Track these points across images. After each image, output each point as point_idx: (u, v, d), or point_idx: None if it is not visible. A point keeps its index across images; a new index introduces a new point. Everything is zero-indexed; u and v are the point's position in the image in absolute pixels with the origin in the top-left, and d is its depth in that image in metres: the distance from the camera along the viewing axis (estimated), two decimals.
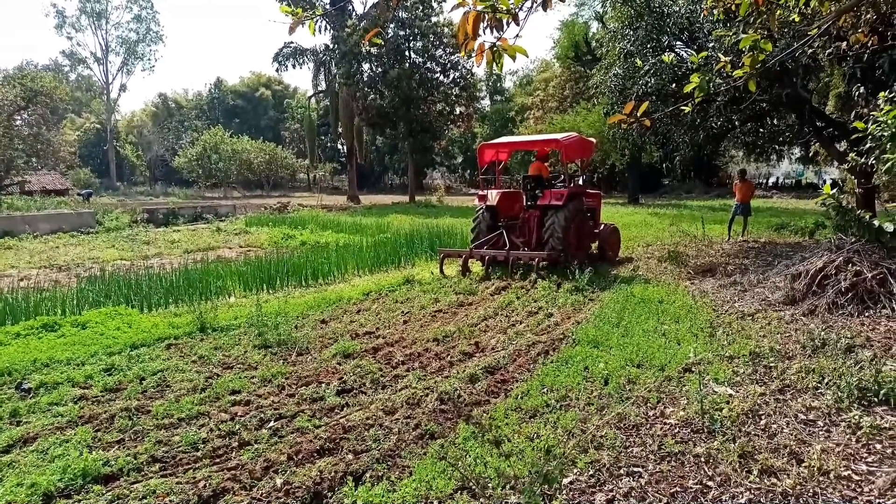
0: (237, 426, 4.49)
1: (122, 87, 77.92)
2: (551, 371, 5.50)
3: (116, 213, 24.84)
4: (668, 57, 8.07)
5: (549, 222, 10.87)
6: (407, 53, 37.28)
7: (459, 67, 38.77)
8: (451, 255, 11.71)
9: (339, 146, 62.76)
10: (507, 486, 3.33)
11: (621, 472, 3.71)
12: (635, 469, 3.73)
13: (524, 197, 12.24)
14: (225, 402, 4.97)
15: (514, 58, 3.46)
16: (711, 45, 11.79)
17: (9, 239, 18.54)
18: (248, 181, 58.87)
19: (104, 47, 66.48)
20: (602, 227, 12.59)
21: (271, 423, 4.57)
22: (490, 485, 3.34)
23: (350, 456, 3.99)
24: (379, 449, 4.07)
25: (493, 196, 11.87)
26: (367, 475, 3.73)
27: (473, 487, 3.37)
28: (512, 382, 5.39)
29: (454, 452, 3.90)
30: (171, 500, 3.40)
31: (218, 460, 4.01)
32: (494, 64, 3.52)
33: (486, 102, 61.97)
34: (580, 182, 12.35)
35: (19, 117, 38.46)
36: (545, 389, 5.08)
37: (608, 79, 16.06)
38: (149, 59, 69.11)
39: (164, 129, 71.53)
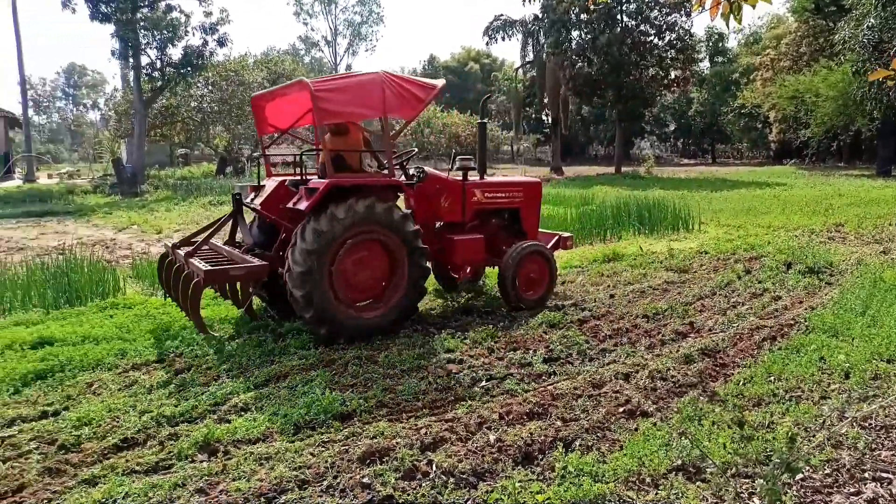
0: (452, 382, 4.79)
1: (348, 68, 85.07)
2: (779, 359, 5.03)
3: None
4: None
5: (289, 249, 5.88)
6: (619, 17, 35.66)
7: (677, 28, 36.18)
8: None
9: (544, 117, 62.44)
10: (729, 473, 3.15)
11: (865, 475, 3.30)
12: (884, 475, 3.30)
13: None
14: (441, 359, 5.33)
15: (754, 6, 3.15)
16: None
17: None
18: (456, 153, 61.24)
19: (333, 30, 73.21)
20: (521, 246, 7.05)
21: (483, 383, 4.80)
22: (710, 469, 3.18)
23: (559, 423, 4.05)
24: (588, 419, 4.07)
25: (266, 190, 6.83)
26: (577, 443, 3.76)
27: (690, 469, 3.24)
28: (732, 367, 5.03)
29: (665, 432, 3.78)
30: (397, 443, 3.75)
31: (436, 411, 4.32)
32: (732, 17, 3.24)
33: (705, 65, 57.19)
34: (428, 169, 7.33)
35: None
36: (771, 378, 4.66)
37: (859, 32, 13.93)
38: (371, 40, 74.61)
39: None
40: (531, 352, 5.49)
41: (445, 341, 5.75)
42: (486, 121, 7.80)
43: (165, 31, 29.11)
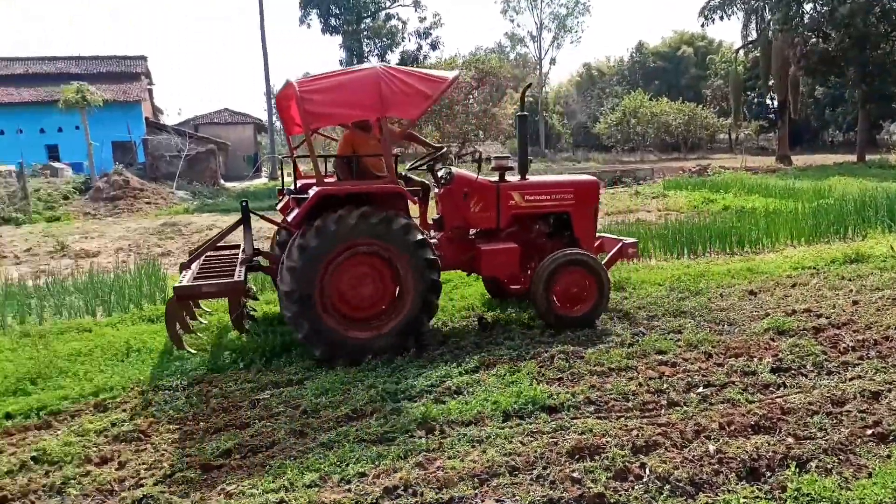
0: (665, 385, 4.57)
1: (552, 61, 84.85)
2: None
3: None
4: None
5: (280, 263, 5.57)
6: None
7: None
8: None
9: (768, 101, 56.63)
10: None
11: None
12: None
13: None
14: (651, 361, 5.10)
15: None
16: None
17: None
18: (665, 144, 57.98)
19: (538, 25, 73.21)
20: (556, 255, 6.11)
21: (700, 389, 4.52)
22: None
23: (790, 439, 3.67)
24: (826, 439, 3.64)
25: (286, 198, 6.63)
26: (813, 464, 3.38)
27: None
28: None
29: None
30: (607, 442, 3.68)
31: (647, 414, 4.16)
32: None
33: None
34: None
35: (472, 96, 45.60)
36: None
37: None
38: (576, 32, 73.21)
39: (587, 98, 75.46)
40: (756, 360, 5.04)
41: (657, 342, 5.49)
42: (526, 113, 6.87)
43: (385, 39, 31.66)
